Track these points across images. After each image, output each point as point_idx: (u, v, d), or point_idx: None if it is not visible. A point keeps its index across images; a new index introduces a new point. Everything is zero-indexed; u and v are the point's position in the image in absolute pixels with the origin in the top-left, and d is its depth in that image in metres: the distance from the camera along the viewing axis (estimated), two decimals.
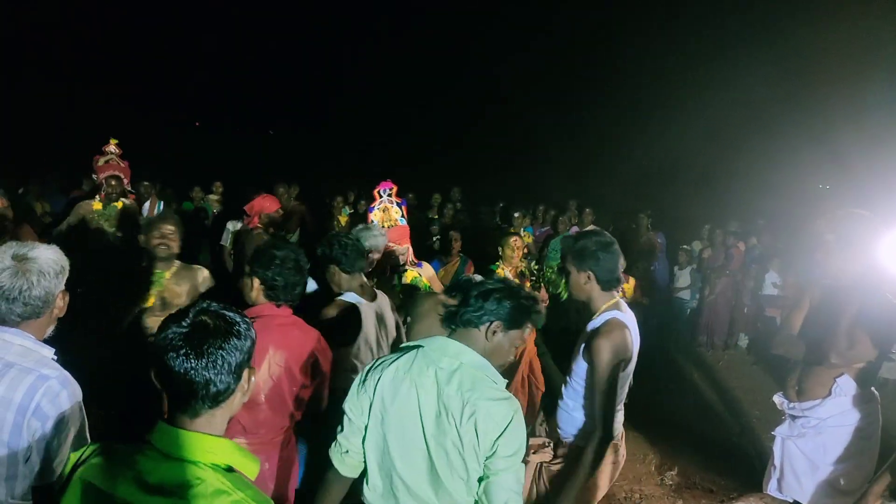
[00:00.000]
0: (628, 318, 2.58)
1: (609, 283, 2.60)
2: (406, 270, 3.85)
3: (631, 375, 2.67)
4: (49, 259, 1.82)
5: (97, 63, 18.86)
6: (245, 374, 1.34)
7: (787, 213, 9.94)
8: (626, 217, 9.58)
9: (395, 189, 3.84)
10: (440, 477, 1.87)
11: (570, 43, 20.69)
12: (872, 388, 2.94)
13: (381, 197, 3.81)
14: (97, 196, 5.11)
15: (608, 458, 2.61)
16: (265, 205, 5.20)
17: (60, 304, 1.89)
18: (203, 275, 3.74)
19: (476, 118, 22.18)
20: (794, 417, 3.03)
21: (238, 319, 1.34)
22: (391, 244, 3.71)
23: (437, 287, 4.05)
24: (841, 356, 2.76)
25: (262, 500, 1.27)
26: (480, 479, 1.87)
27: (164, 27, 21.32)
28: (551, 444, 2.84)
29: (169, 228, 3.61)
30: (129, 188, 5.44)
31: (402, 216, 3.80)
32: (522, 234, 7.85)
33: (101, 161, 5.13)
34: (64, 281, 1.88)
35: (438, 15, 22.86)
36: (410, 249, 3.88)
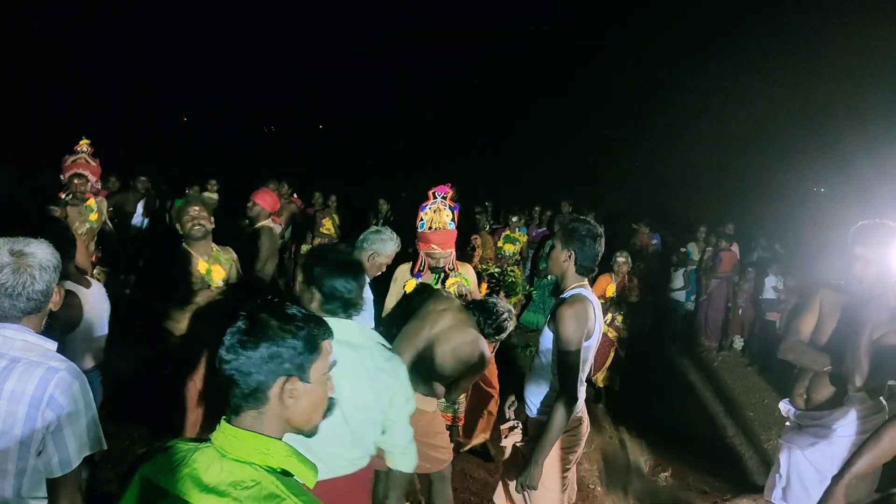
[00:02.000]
0: (593, 297, 2.77)
1: (584, 269, 2.78)
2: (448, 276, 3.76)
3: (591, 356, 2.83)
4: (46, 253, 1.84)
5: (82, 61, 18.80)
6: (282, 380, 1.28)
7: (786, 216, 9.97)
8: (619, 219, 9.60)
9: (450, 193, 3.77)
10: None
11: (572, 47, 20.75)
12: (882, 398, 2.89)
13: (434, 198, 3.73)
14: (61, 197, 4.95)
15: (579, 430, 2.82)
16: (267, 200, 5.12)
17: (56, 299, 1.91)
18: (233, 255, 3.92)
19: (471, 118, 22.22)
20: (800, 426, 2.98)
21: (291, 323, 1.30)
22: (434, 246, 3.64)
23: (474, 292, 3.98)
24: (864, 379, 2.68)
25: None
26: None
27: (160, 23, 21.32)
28: (520, 425, 2.94)
29: (195, 209, 3.75)
30: (97, 187, 5.27)
31: (453, 220, 3.73)
32: (517, 233, 7.86)
33: (69, 160, 5.02)
34: (59, 275, 1.89)
35: (442, 15, 22.95)
36: (454, 254, 3.79)
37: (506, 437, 2.93)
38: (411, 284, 3.78)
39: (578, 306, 2.66)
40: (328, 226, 7.75)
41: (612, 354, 6.07)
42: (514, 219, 7.59)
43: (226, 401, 1.29)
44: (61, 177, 5.07)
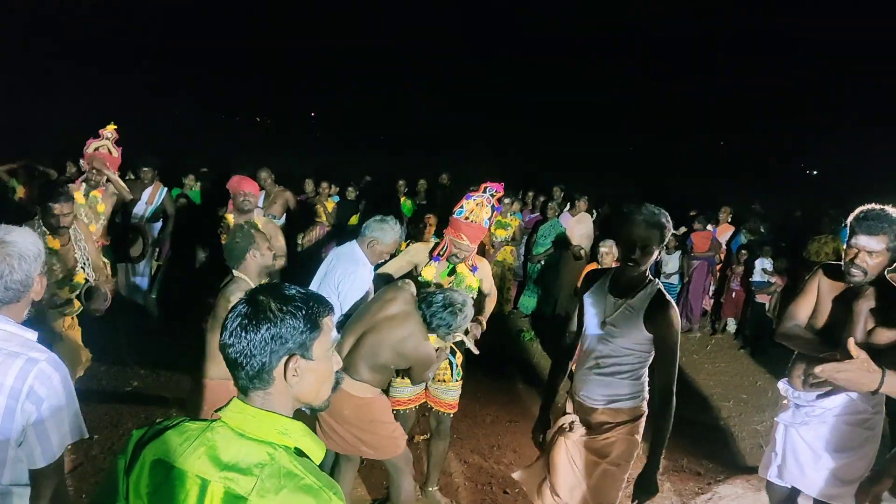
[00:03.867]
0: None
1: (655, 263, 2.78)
2: (457, 264, 3.72)
3: None
4: (27, 242, 1.82)
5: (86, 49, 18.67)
6: (285, 359, 1.29)
7: (778, 198, 9.98)
8: (611, 203, 9.60)
9: (499, 194, 3.74)
10: None
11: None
12: None
13: (483, 192, 3.68)
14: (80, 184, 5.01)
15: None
16: (236, 185, 4.97)
17: (38, 288, 1.87)
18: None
19: (467, 106, 22.17)
20: (798, 406, 2.99)
21: (290, 304, 1.30)
22: (463, 237, 3.60)
23: (486, 287, 3.96)
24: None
25: (332, 486, 1.26)
26: None
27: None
28: (576, 418, 2.88)
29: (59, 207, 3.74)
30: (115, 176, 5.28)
31: (489, 218, 3.69)
32: (509, 218, 7.82)
33: (92, 147, 5.00)
34: (42, 264, 1.87)
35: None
36: (475, 252, 3.76)
37: (569, 430, 2.87)
38: (430, 271, 3.74)
39: (674, 304, 2.68)
40: (321, 213, 7.69)
41: None
42: (507, 201, 7.49)
43: (234, 382, 1.31)
44: (81, 161, 5.10)
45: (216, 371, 3.13)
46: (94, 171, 4.96)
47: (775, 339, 3.00)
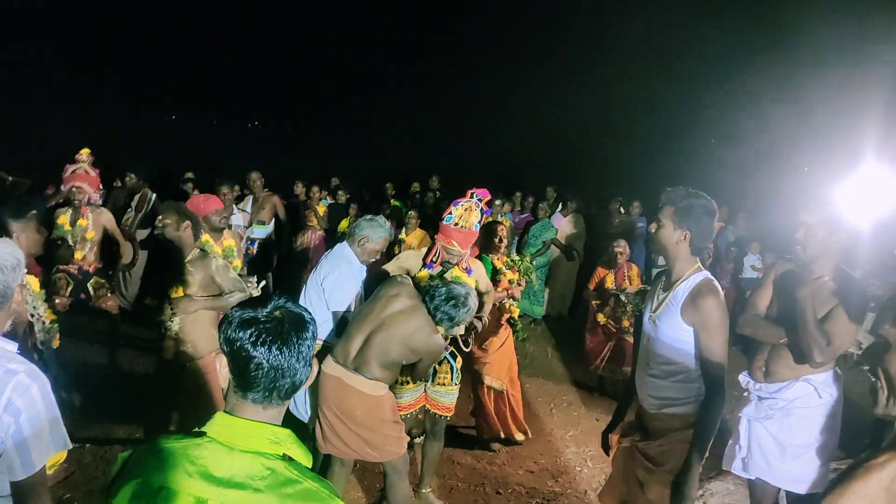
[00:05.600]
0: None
1: (699, 249, 2.60)
2: (451, 268, 3.73)
3: None
4: (5, 252, 1.78)
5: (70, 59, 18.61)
6: (314, 362, 1.35)
7: (768, 195, 9.99)
8: (602, 202, 9.63)
9: (487, 198, 3.77)
10: None
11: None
12: (837, 369, 2.98)
13: (471, 197, 3.71)
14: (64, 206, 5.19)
15: None
16: (204, 206, 4.72)
17: (18, 298, 1.84)
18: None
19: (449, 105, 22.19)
20: (760, 398, 3.04)
21: (302, 310, 1.35)
22: (454, 243, 3.63)
23: (483, 286, 3.97)
24: (823, 353, 2.74)
25: (330, 486, 1.28)
26: None
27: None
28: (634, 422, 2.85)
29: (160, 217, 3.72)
30: (99, 199, 5.48)
31: (479, 223, 3.71)
32: (501, 219, 7.84)
33: (70, 171, 5.16)
34: (21, 275, 1.84)
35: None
36: (468, 255, 3.79)
37: (632, 438, 2.78)
38: (423, 275, 3.75)
39: (720, 295, 2.51)
40: (311, 218, 7.68)
41: (609, 346, 5.98)
42: (498, 202, 7.48)
43: (246, 397, 1.28)
44: (62, 187, 5.24)
45: (204, 346, 3.53)
46: (75, 190, 5.08)
47: (737, 330, 3.01)
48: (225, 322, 1.30)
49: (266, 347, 1.25)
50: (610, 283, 6.08)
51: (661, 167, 15.67)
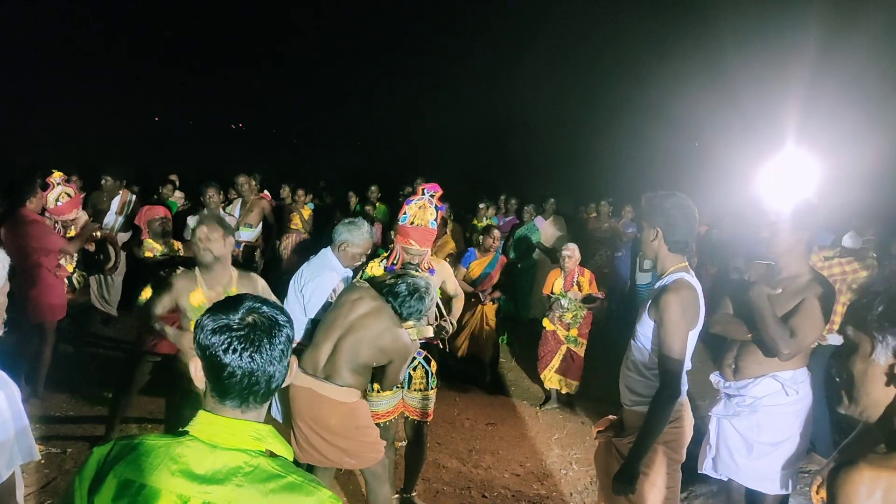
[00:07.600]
0: (696, 283, 2.57)
1: (677, 245, 2.57)
2: (416, 271, 3.74)
3: (693, 346, 2.61)
4: None
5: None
6: (292, 362, 1.35)
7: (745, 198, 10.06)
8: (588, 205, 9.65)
9: (439, 193, 3.75)
10: None
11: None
12: (806, 367, 3.00)
13: (422, 195, 3.68)
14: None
15: (682, 421, 2.60)
16: (150, 212, 4.96)
17: (2, 300, 1.83)
18: (259, 285, 3.60)
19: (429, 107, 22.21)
20: (729, 396, 3.07)
21: (276, 311, 1.34)
22: (412, 242, 3.60)
23: (451, 289, 3.98)
24: (788, 345, 2.78)
25: (313, 480, 1.28)
26: None
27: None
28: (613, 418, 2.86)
29: (204, 230, 3.36)
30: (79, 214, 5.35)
31: (435, 220, 3.67)
32: (485, 223, 7.88)
33: (52, 201, 4.95)
34: (3, 279, 1.81)
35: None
36: (429, 253, 3.74)
37: (607, 433, 2.79)
38: (378, 272, 3.73)
39: (684, 293, 2.47)
40: (296, 221, 7.66)
41: (560, 354, 5.83)
42: (482, 206, 7.49)
43: (226, 399, 1.28)
44: (45, 214, 5.03)
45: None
46: (70, 223, 5.08)
47: (710, 329, 3.03)
48: (198, 327, 1.29)
49: (237, 355, 1.25)
50: (558, 288, 5.91)
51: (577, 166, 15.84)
